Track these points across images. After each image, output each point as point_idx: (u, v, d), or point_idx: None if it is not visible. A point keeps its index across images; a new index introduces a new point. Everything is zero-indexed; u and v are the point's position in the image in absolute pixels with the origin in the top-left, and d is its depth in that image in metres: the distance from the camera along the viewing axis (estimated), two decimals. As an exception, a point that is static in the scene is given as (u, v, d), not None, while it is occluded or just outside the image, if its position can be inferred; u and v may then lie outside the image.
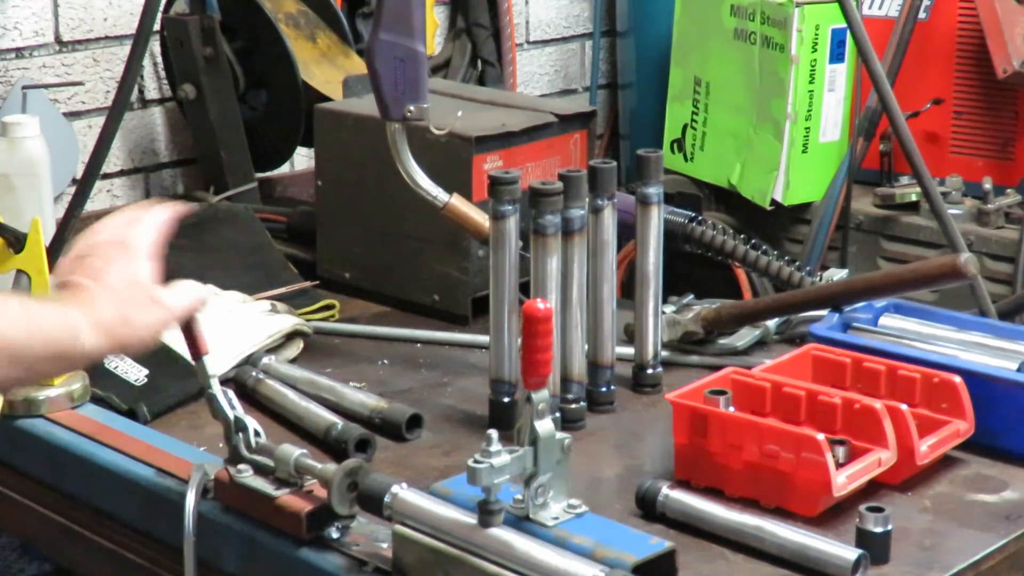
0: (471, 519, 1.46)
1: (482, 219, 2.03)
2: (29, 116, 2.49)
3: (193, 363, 1.63)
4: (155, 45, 2.96)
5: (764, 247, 2.25)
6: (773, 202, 3.30)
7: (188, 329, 1.60)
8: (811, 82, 3.25)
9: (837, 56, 3.27)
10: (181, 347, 1.65)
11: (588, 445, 1.88)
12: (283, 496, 1.58)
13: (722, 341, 2.17)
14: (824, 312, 2.03)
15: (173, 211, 1.53)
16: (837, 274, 2.24)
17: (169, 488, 1.72)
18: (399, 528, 1.50)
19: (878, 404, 1.70)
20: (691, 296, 2.23)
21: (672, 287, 2.17)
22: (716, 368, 1.93)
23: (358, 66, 2.91)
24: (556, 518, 1.48)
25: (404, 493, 1.51)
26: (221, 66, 2.84)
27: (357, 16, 3.25)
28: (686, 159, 3.56)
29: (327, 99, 2.75)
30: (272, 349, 2.13)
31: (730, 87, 3.41)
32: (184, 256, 2.48)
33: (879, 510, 1.55)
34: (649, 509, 1.65)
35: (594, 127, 2.49)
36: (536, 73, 3.85)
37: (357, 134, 2.42)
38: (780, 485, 1.65)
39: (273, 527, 1.59)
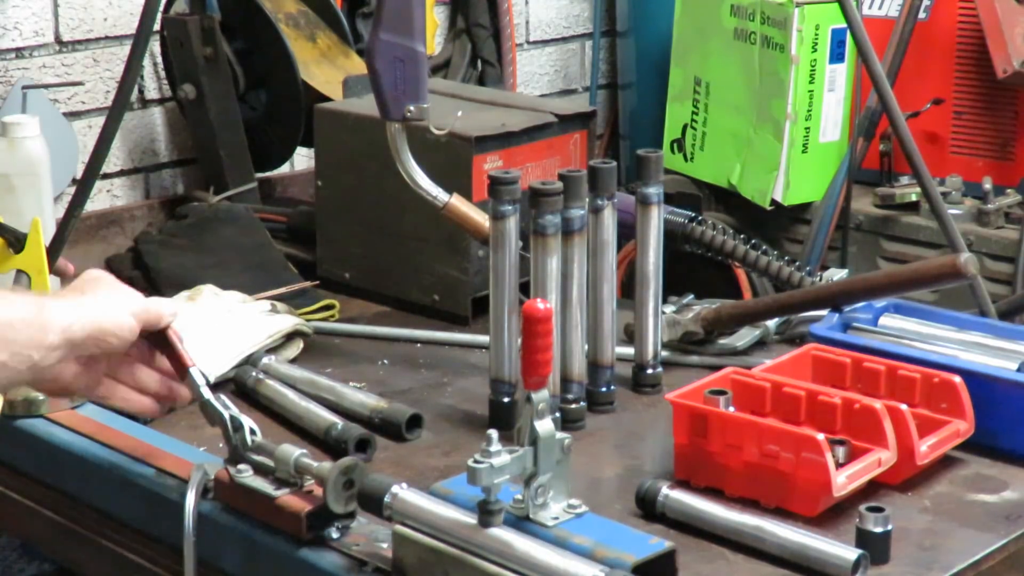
0: (471, 519, 1.46)
1: (482, 219, 2.03)
2: (29, 116, 2.49)
3: (182, 382, 1.64)
4: (155, 45, 2.95)
5: (764, 247, 2.25)
6: (773, 202, 3.30)
7: (168, 347, 1.61)
8: (811, 82, 3.25)
9: (837, 56, 3.27)
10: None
11: (588, 445, 1.88)
12: (283, 496, 1.58)
13: (722, 341, 2.17)
14: (824, 312, 2.03)
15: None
16: (837, 274, 2.24)
17: (169, 488, 1.72)
18: (399, 528, 1.50)
19: (878, 404, 1.70)
20: (691, 296, 2.23)
21: (672, 287, 2.17)
22: (716, 368, 1.92)
23: (358, 66, 2.91)
24: (556, 518, 1.48)
25: (404, 493, 1.51)
26: (221, 66, 2.84)
27: (357, 16, 3.25)
28: (686, 159, 3.56)
29: (327, 99, 2.75)
30: (272, 349, 2.13)
31: (730, 87, 3.41)
32: (184, 256, 2.48)
33: (879, 510, 1.54)
34: (649, 509, 1.64)
35: (594, 127, 2.49)
36: (536, 73, 3.85)
37: (357, 134, 2.41)
38: (780, 485, 1.64)
39: (273, 527, 1.59)
